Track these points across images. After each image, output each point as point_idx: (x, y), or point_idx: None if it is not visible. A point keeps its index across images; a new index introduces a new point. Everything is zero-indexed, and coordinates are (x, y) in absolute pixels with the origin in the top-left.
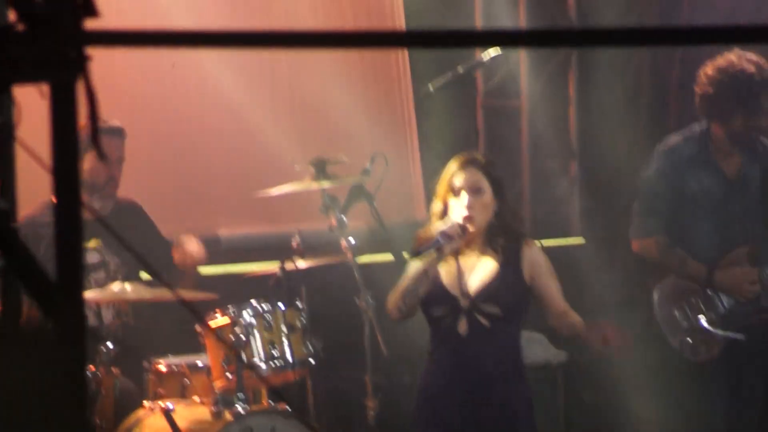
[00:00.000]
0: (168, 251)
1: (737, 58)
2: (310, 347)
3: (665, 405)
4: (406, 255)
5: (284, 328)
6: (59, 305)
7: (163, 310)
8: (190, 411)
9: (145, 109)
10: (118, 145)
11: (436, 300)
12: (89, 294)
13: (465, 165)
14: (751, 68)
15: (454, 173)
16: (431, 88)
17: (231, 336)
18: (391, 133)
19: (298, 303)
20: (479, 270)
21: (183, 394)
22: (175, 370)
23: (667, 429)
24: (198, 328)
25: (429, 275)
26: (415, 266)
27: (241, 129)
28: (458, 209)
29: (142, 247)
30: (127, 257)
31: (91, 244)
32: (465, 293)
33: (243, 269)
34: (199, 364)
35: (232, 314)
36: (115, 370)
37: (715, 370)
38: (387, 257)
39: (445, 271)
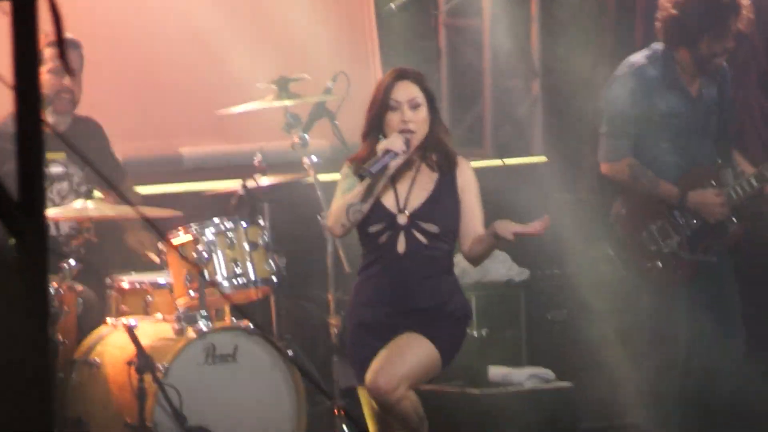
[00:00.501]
0: (121, 173)
1: None
2: (273, 265)
3: (629, 323)
4: (345, 171)
5: (246, 246)
6: (21, 223)
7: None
8: (153, 328)
9: (107, 27)
10: (72, 57)
11: (375, 217)
12: (51, 211)
13: (401, 78)
14: None
15: (390, 87)
16: (393, 7)
17: (193, 254)
18: (353, 52)
19: (261, 221)
20: (416, 187)
21: (146, 311)
22: (138, 287)
23: (632, 346)
24: (161, 245)
25: (374, 192)
26: (350, 182)
27: (203, 47)
28: (398, 124)
29: (98, 163)
30: (89, 173)
31: (54, 155)
32: (403, 211)
33: (205, 187)
34: (161, 281)
35: (195, 232)
36: (77, 287)
37: (685, 291)
38: None
39: (383, 188)
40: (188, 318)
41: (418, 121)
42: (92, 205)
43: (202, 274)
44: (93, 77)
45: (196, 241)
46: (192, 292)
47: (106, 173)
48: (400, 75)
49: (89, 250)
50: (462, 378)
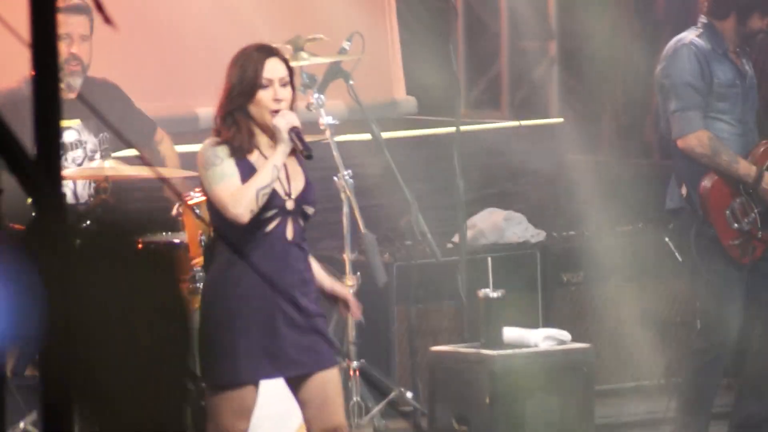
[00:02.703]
0: (149, 127)
1: None
2: None
3: (644, 288)
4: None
5: None
6: (38, 182)
7: (143, 187)
8: None
9: None
10: (81, 22)
11: (267, 203)
12: (68, 171)
13: (269, 55)
14: None
15: (258, 63)
16: None
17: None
18: (369, 11)
19: None
20: (290, 169)
21: None
22: (153, 247)
23: (647, 311)
24: (177, 205)
25: (278, 170)
26: (229, 165)
27: (219, 7)
28: (270, 103)
29: (120, 124)
30: (105, 138)
31: (68, 123)
32: (290, 194)
33: None
34: (177, 241)
35: None
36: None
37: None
38: (365, 136)
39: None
40: (203, 278)
41: (288, 98)
42: (108, 164)
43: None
44: (110, 38)
45: None
46: None
47: (129, 132)
48: (270, 52)
49: (106, 211)
50: (477, 339)
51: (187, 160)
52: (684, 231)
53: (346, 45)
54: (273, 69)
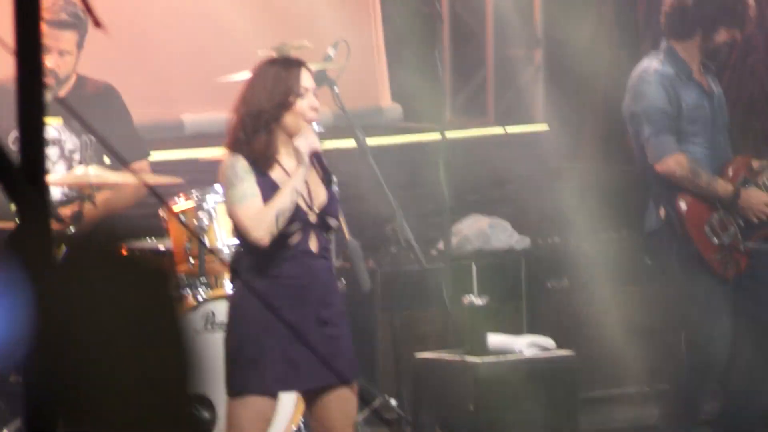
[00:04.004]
0: (138, 151)
1: None
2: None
3: (628, 295)
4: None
5: None
6: (23, 189)
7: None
8: None
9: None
10: (64, 37)
11: (290, 215)
12: (53, 177)
13: (302, 66)
14: None
15: (295, 74)
16: None
17: (194, 220)
18: (354, 19)
19: None
20: (312, 182)
21: None
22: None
23: (631, 318)
24: (161, 212)
25: (299, 192)
26: (250, 184)
27: (205, 14)
28: (308, 111)
29: (110, 133)
30: (90, 142)
31: (50, 121)
32: (312, 207)
33: (207, 154)
34: (161, 248)
35: (196, 198)
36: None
37: (732, 288)
38: (350, 143)
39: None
40: (188, 285)
41: (318, 107)
42: (93, 171)
43: (202, 241)
44: (95, 44)
45: (197, 207)
46: (192, 259)
47: (115, 144)
48: (300, 63)
49: (91, 217)
50: (461, 346)
51: (174, 167)
52: (665, 252)
53: (331, 52)
54: (308, 78)
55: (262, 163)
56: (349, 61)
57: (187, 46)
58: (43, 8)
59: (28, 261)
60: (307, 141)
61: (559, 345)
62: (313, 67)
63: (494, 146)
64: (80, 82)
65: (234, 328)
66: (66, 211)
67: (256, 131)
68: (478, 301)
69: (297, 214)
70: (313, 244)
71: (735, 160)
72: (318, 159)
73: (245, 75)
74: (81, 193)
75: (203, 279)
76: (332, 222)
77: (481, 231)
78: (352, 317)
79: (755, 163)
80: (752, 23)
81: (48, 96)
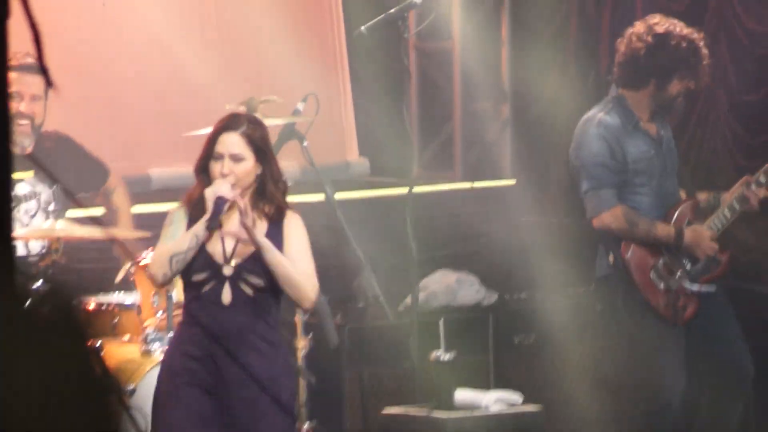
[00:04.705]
0: (102, 173)
1: (670, 23)
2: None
3: (597, 350)
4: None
5: None
6: None
7: (94, 248)
8: (120, 350)
9: (73, 47)
10: (34, 81)
11: (199, 265)
12: (20, 232)
13: (229, 130)
14: (687, 32)
15: (215, 137)
16: (364, 30)
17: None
18: (323, 73)
19: None
20: (243, 238)
21: (112, 332)
22: (105, 308)
23: (600, 373)
24: (129, 266)
25: (199, 239)
26: (176, 228)
27: (172, 68)
28: (218, 175)
29: (73, 172)
30: (59, 191)
31: (22, 175)
32: (228, 261)
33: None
34: (128, 302)
35: None
36: (44, 308)
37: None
38: (318, 197)
39: (209, 236)
40: (156, 339)
41: (239, 173)
42: (60, 225)
43: (169, 295)
44: (60, 98)
45: None
46: (160, 313)
47: (81, 179)
48: (228, 125)
49: (57, 271)
50: (428, 401)
51: (141, 221)
52: (613, 297)
53: (300, 106)
54: (225, 143)
55: (194, 210)
56: (317, 115)
57: (155, 101)
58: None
59: None
60: (213, 189)
61: (527, 400)
62: (282, 121)
63: (462, 201)
64: (38, 137)
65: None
66: (38, 266)
67: (195, 180)
68: (446, 356)
69: (208, 263)
70: (226, 297)
71: (682, 203)
72: (216, 206)
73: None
74: (49, 247)
75: (171, 333)
76: (252, 279)
77: (448, 286)
78: (319, 372)
79: (702, 197)
80: (707, 75)
81: (17, 150)
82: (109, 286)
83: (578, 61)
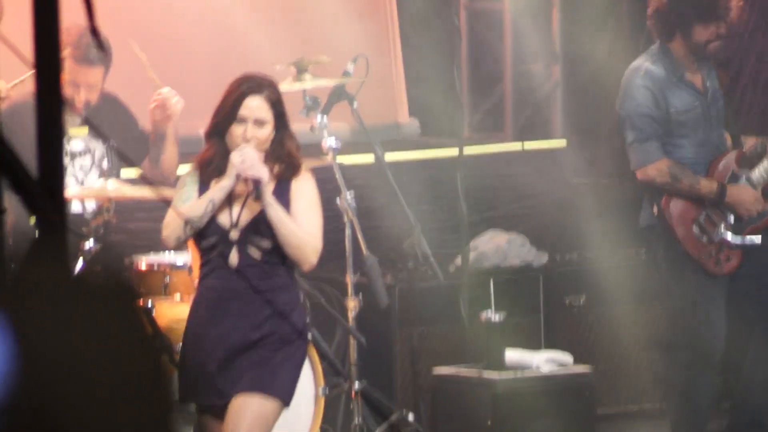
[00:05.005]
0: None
1: None
2: None
3: (646, 311)
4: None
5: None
6: (42, 203)
7: (146, 207)
8: (171, 309)
9: (127, 11)
10: (92, 72)
11: (208, 231)
12: (72, 191)
13: (252, 93)
14: None
15: (239, 100)
16: None
17: None
18: (373, 34)
19: None
20: (250, 201)
21: (164, 291)
22: (156, 268)
23: (649, 334)
24: None
25: (215, 205)
26: (189, 191)
27: (223, 30)
28: (240, 139)
29: (124, 138)
30: (114, 147)
31: (76, 132)
32: (235, 225)
33: None
34: (180, 262)
35: None
36: (97, 268)
37: (728, 283)
38: (368, 158)
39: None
40: None
41: (261, 138)
42: (112, 185)
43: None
44: (116, 59)
45: None
46: None
47: (132, 147)
48: (252, 89)
49: (108, 231)
50: (479, 362)
51: None
52: (656, 248)
53: (350, 67)
54: (250, 107)
55: (204, 173)
56: (368, 76)
57: (208, 61)
58: (70, 43)
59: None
60: (241, 156)
61: (577, 360)
62: (332, 81)
63: (512, 162)
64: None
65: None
66: (90, 225)
67: (206, 142)
68: (496, 317)
69: (216, 229)
70: (234, 260)
71: (726, 155)
72: (255, 182)
73: None
74: (100, 207)
75: None
76: (259, 241)
77: (499, 247)
78: (369, 332)
79: (749, 143)
80: (737, 16)
81: (76, 120)
82: (160, 246)
83: (630, 20)
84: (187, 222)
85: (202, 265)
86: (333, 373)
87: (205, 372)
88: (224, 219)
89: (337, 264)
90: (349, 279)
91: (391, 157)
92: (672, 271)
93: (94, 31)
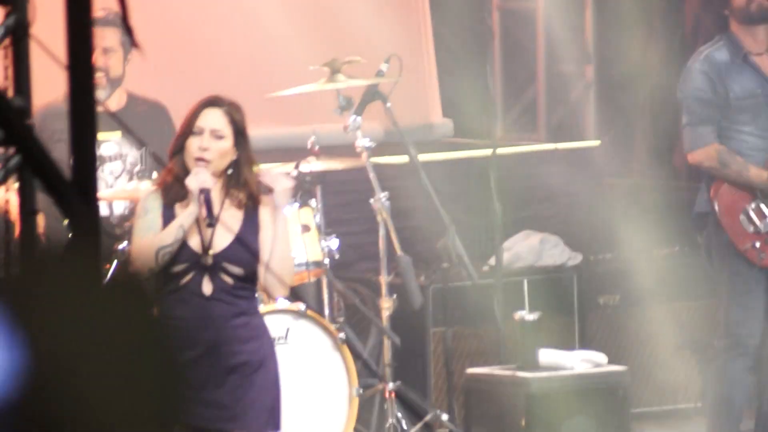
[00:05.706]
0: None
1: None
2: (325, 247)
3: (680, 310)
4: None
5: (299, 228)
6: (74, 205)
7: None
8: None
9: (159, 10)
10: (106, 34)
11: (178, 256)
12: (104, 193)
13: (212, 106)
14: None
15: (197, 112)
16: None
17: None
18: (406, 34)
19: (313, 203)
20: (221, 227)
21: None
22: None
23: (683, 334)
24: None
25: (185, 231)
26: (152, 217)
27: (256, 30)
28: (196, 151)
29: (161, 146)
30: (147, 153)
31: (108, 135)
32: (208, 252)
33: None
34: None
35: None
36: (130, 269)
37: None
38: (401, 159)
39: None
40: None
41: (218, 150)
42: (144, 187)
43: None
44: (149, 58)
45: None
46: None
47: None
48: (211, 102)
49: None
50: (513, 361)
51: None
52: (709, 235)
53: (383, 67)
54: (207, 119)
55: (167, 195)
56: (401, 76)
57: (239, 63)
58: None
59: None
60: (197, 179)
61: (611, 361)
62: (365, 82)
63: (545, 162)
64: (131, 100)
65: None
66: (122, 226)
67: (169, 158)
68: (530, 316)
69: (187, 255)
70: (207, 287)
71: None
72: (207, 202)
73: (296, 90)
74: (132, 209)
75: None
76: (233, 269)
77: (532, 247)
78: (403, 332)
79: None
80: None
81: (102, 93)
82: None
83: (663, 21)
84: (158, 251)
85: (170, 292)
86: (367, 373)
87: (182, 395)
88: (195, 244)
89: (371, 264)
90: (383, 279)
91: (424, 157)
92: (719, 255)
93: (127, 25)
